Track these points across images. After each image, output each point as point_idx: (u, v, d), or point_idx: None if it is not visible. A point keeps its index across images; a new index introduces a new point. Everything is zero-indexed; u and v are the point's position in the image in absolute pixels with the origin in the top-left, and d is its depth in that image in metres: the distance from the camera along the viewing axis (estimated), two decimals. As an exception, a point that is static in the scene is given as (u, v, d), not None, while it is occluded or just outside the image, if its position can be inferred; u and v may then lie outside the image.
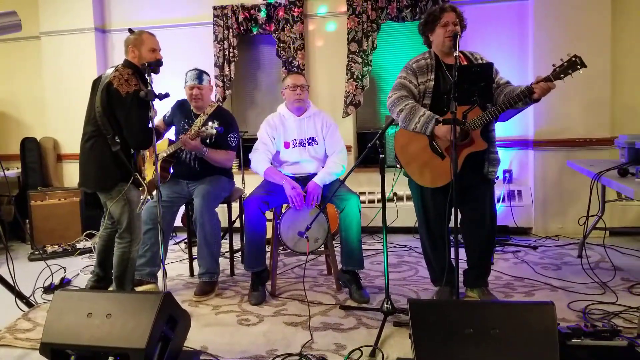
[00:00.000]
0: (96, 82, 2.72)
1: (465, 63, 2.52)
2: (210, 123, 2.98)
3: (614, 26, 3.94)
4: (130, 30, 2.77)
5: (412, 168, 2.58)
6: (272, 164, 3.05)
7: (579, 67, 2.29)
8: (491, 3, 4.19)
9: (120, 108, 2.54)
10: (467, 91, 2.27)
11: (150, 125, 2.58)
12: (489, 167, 2.54)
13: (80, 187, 2.84)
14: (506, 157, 4.23)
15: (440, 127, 2.41)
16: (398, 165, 2.64)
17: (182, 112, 3.27)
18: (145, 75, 2.51)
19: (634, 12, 4.00)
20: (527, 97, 2.34)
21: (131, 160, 2.66)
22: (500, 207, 4.15)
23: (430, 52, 2.59)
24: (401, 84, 2.55)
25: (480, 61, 2.55)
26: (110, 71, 2.64)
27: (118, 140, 2.58)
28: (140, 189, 2.74)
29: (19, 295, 2.79)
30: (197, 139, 2.98)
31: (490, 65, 2.45)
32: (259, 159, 2.98)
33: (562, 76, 2.31)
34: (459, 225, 2.27)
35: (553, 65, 2.33)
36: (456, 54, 2.26)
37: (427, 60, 2.55)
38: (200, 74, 3.17)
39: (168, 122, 3.37)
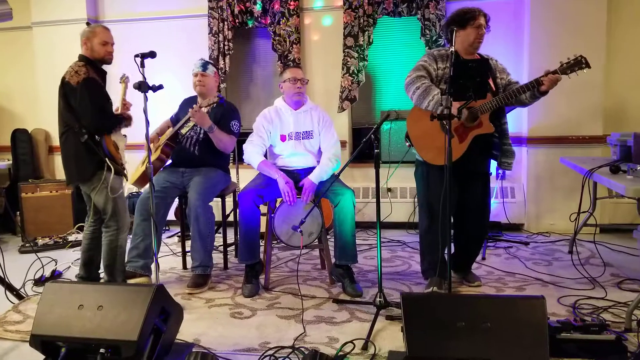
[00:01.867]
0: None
1: None
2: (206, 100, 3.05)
3: (608, 24, 3.96)
4: (88, 23, 2.81)
5: (421, 144, 2.66)
6: (265, 157, 3.05)
7: (583, 66, 2.44)
8: (488, 1, 4.17)
9: (73, 98, 2.66)
10: (462, 86, 2.29)
11: (105, 108, 2.71)
12: (502, 158, 2.68)
13: (68, 185, 2.98)
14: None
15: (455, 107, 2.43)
16: (408, 143, 2.71)
17: (188, 106, 3.27)
18: (139, 66, 2.49)
19: (628, 11, 4.02)
20: (535, 87, 2.45)
21: (100, 148, 2.72)
22: (492, 203, 4.17)
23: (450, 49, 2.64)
24: (422, 66, 2.64)
25: (492, 62, 2.68)
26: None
27: (84, 131, 2.67)
28: (118, 175, 2.79)
29: (9, 287, 2.77)
30: (206, 114, 3.01)
31: (485, 61, 2.47)
32: (253, 151, 2.98)
33: (568, 72, 2.45)
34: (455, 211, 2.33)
35: (560, 62, 2.47)
36: (452, 49, 2.27)
37: (447, 51, 2.62)
38: (205, 63, 3.23)
39: (175, 121, 3.36)
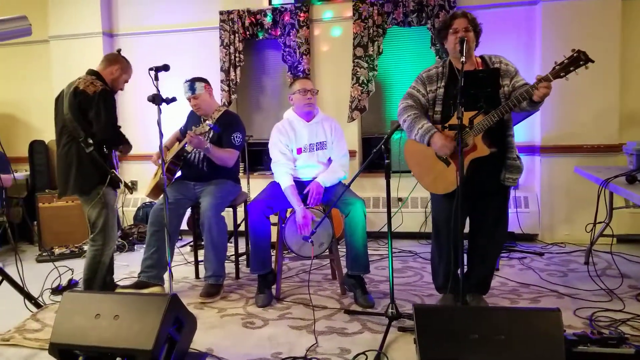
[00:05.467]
0: (58, 98, 2.88)
1: (481, 67, 2.48)
2: (206, 121, 3.02)
3: (623, 32, 3.93)
4: (119, 51, 2.98)
5: (420, 175, 2.60)
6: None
7: (582, 62, 2.13)
8: (499, 8, 4.18)
9: (89, 107, 2.71)
10: (473, 97, 2.27)
11: (117, 122, 2.80)
12: (505, 174, 2.47)
13: (61, 196, 2.95)
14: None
15: (435, 140, 2.41)
16: (412, 173, 2.66)
17: (194, 118, 3.33)
18: (153, 79, 2.55)
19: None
20: (526, 99, 2.26)
21: (106, 160, 2.78)
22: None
23: (445, 61, 2.58)
24: (409, 94, 2.58)
25: (498, 65, 2.49)
26: (72, 82, 2.82)
27: (91, 142, 2.71)
28: (120, 189, 2.89)
29: (27, 296, 2.82)
30: (200, 136, 3.00)
31: (496, 71, 2.44)
32: (282, 172, 2.94)
33: (562, 74, 2.16)
34: (467, 232, 2.24)
35: (554, 63, 2.20)
36: (462, 59, 2.25)
37: (439, 68, 2.55)
38: (192, 84, 3.17)
39: (184, 132, 3.40)
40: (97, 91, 2.71)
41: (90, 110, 2.71)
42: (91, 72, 2.87)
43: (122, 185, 2.91)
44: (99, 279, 2.88)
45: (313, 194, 2.86)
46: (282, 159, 2.97)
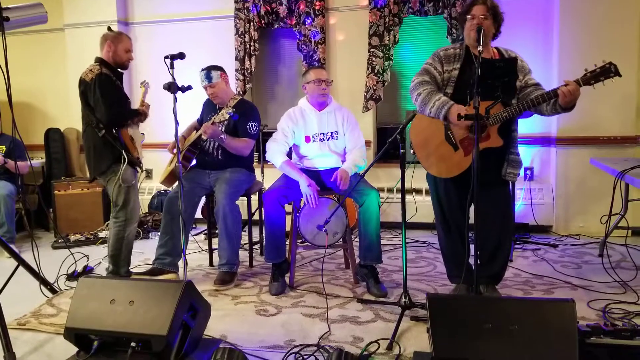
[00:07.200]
0: None
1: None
2: (224, 109, 3.02)
3: (642, 21, 3.85)
4: (109, 29, 3.07)
5: (424, 155, 2.57)
6: (289, 157, 3.07)
7: (612, 75, 2.24)
8: (515, -3, 4.12)
9: (89, 93, 2.85)
10: (490, 86, 2.24)
11: (119, 101, 2.89)
12: (507, 168, 2.49)
13: (91, 180, 3.09)
14: (528, 154, 4.18)
15: (453, 111, 2.36)
16: (412, 151, 2.63)
17: (210, 107, 3.36)
18: (168, 67, 2.56)
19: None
20: (551, 98, 2.28)
21: (117, 141, 2.89)
22: (520, 204, 4.11)
23: (462, 43, 2.55)
24: (425, 70, 2.53)
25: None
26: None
27: (102, 126, 2.85)
28: (132, 166, 2.97)
29: (43, 281, 2.87)
30: (215, 126, 3.02)
31: (514, 60, 2.41)
32: (276, 149, 2.98)
33: (592, 82, 2.25)
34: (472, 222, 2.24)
35: (585, 70, 2.27)
36: (479, 48, 2.21)
37: (457, 50, 2.52)
38: (208, 73, 3.18)
39: (200, 121, 3.42)
40: (94, 77, 2.83)
41: (91, 96, 2.84)
42: (96, 60, 2.98)
43: (137, 166, 2.99)
44: (125, 254, 3.00)
45: (342, 179, 2.84)
46: (280, 137, 3.01)
